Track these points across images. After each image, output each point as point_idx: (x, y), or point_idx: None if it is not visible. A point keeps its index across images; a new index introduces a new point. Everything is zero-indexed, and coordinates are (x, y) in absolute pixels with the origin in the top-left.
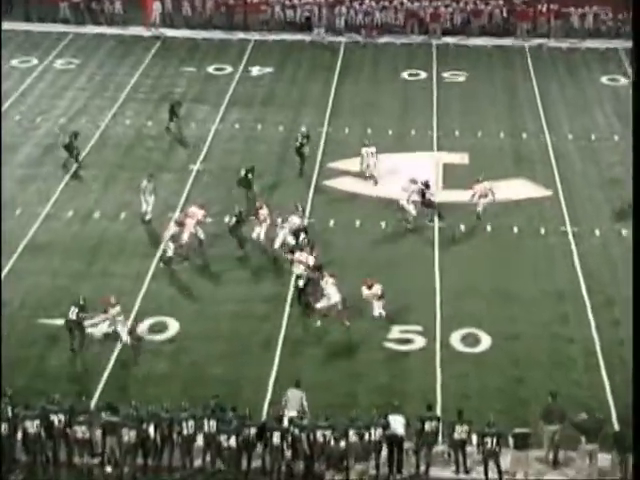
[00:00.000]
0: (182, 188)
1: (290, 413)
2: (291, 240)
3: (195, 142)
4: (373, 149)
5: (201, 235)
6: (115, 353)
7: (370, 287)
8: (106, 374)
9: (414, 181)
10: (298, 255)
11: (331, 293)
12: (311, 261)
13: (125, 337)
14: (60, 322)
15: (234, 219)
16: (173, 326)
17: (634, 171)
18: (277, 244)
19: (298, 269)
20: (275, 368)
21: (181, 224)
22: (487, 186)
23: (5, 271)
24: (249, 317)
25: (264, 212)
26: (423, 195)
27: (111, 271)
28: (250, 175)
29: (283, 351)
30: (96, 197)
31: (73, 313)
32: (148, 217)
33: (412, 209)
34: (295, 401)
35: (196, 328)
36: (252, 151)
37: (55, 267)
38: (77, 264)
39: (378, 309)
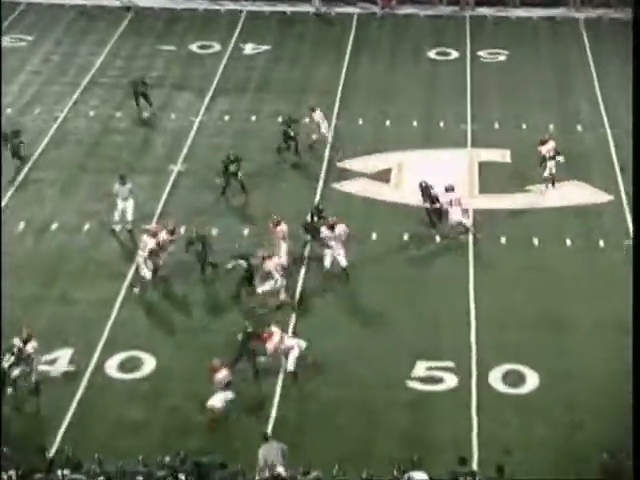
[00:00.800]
0: (159, 193)
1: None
2: (343, 260)
3: (175, 137)
4: (320, 113)
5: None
6: (77, 396)
7: (215, 371)
8: (66, 422)
9: (451, 188)
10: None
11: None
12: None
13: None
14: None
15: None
16: (149, 362)
17: (634, 171)
18: (328, 263)
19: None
20: (273, 412)
21: (155, 235)
22: (554, 145)
23: None
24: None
25: (283, 228)
26: (433, 201)
27: (72, 296)
28: (231, 167)
29: (283, 391)
30: (53, 205)
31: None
32: (129, 227)
33: (466, 218)
34: (276, 456)
35: (177, 365)
36: (244, 147)
37: (4, 291)
38: (30, 287)
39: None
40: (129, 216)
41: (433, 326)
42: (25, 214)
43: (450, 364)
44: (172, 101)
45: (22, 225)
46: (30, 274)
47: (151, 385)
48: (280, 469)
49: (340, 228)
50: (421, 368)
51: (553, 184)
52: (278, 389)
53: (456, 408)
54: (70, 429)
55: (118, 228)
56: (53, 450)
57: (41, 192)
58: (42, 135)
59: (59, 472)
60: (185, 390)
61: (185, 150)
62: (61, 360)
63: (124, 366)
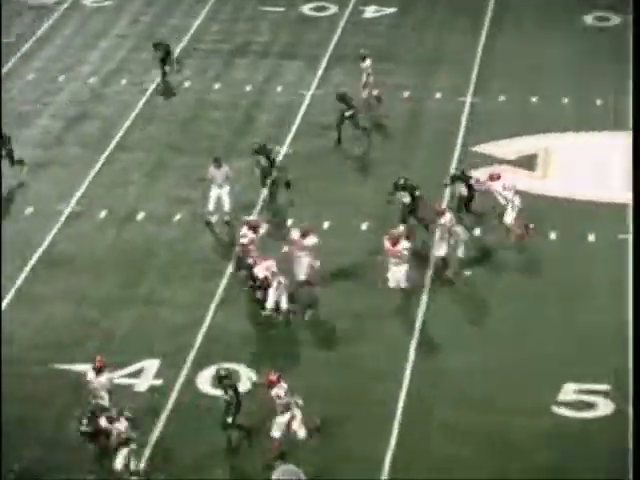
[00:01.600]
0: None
1: None
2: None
3: (282, 113)
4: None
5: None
6: (164, 415)
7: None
8: (150, 445)
9: (497, 176)
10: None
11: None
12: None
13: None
14: (84, 367)
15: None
16: (247, 377)
17: (634, 170)
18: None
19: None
20: (394, 439)
21: (255, 228)
22: None
23: (9, 295)
24: (357, 367)
25: (405, 246)
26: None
27: (160, 297)
28: (262, 161)
29: (405, 414)
30: (139, 191)
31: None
32: (226, 218)
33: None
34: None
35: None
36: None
37: (80, 290)
38: (111, 286)
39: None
40: (226, 205)
41: (585, 342)
42: (107, 201)
43: (605, 387)
44: (279, 72)
45: (103, 214)
46: (112, 270)
47: (249, 404)
48: None
49: (449, 215)
50: (569, 391)
51: None
52: (399, 412)
53: (611, 438)
54: (155, 454)
55: (214, 219)
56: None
57: (126, 176)
58: (128, 109)
59: None
60: None
61: (293, 129)
62: (146, 372)
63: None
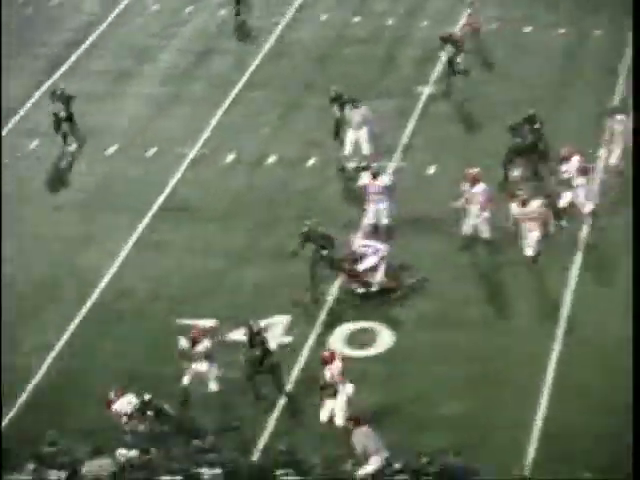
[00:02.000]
0: (403, 122)
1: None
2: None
3: (426, 50)
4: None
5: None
6: (294, 375)
7: (110, 404)
8: (277, 410)
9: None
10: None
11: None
12: None
13: None
14: (209, 323)
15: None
16: (385, 338)
17: (634, 169)
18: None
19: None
20: (544, 403)
21: (375, 176)
22: None
23: (129, 245)
24: (504, 327)
25: (539, 208)
26: None
27: (289, 248)
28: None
29: (555, 380)
30: (270, 133)
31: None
32: (364, 164)
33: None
34: (377, 441)
35: (424, 343)
36: (518, 67)
37: (205, 239)
38: (238, 236)
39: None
40: (364, 150)
41: None
42: (235, 143)
43: None
44: (423, 5)
45: (231, 157)
46: (239, 219)
47: (386, 367)
48: (386, 454)
49: (575, 161)
50: None
51: None
52: (549, 376)
53: None
54: (282, 417)
55: (351, 165)
56: (260, 447)
57: (255, 116)
58: (258, 45)
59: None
60: (431, 374)
61: (438, 67)
62: (275, 329)
63: (354, 340)
